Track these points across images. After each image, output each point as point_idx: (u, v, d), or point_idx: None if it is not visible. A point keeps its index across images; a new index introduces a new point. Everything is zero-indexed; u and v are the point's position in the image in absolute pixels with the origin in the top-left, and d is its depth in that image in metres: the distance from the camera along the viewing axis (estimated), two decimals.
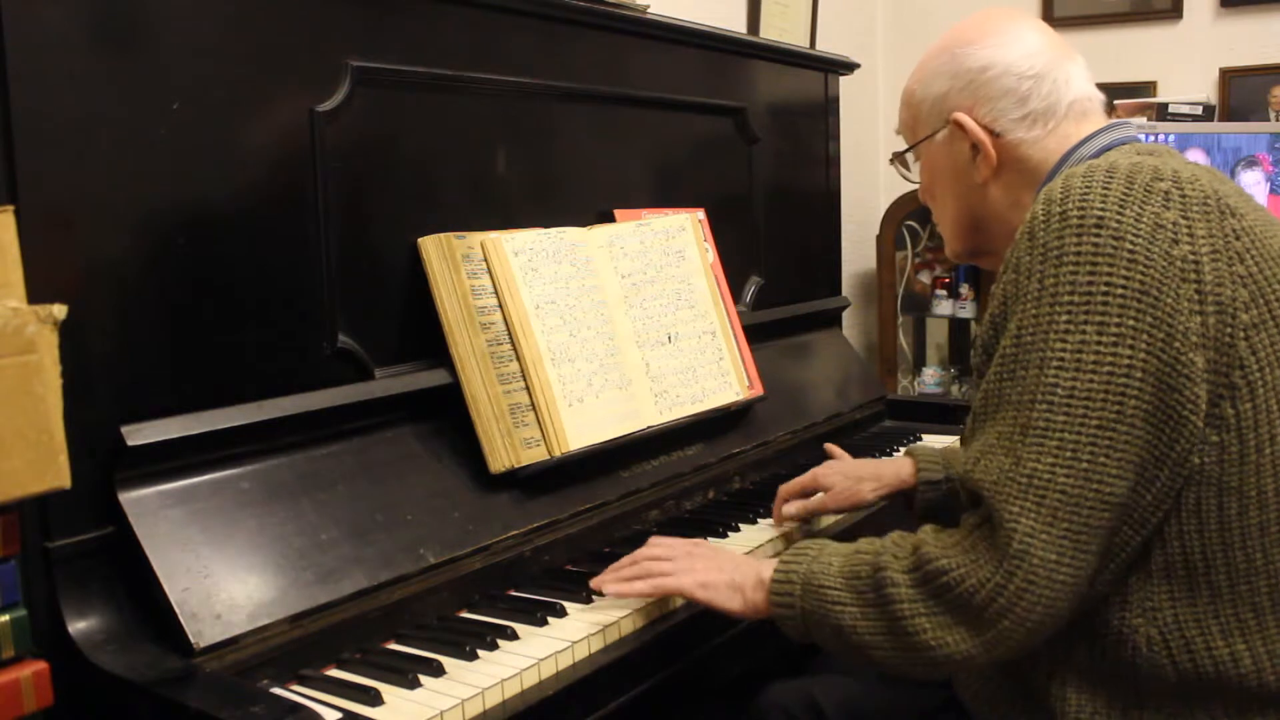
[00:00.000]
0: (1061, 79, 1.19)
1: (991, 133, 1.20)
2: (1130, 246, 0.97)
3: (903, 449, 2.03)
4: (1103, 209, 0.99)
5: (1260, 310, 0.99)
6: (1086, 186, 1.01)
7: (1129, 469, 0.97)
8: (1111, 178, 1.01)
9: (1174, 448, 0.98)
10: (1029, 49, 1.19)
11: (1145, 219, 0.98)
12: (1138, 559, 1.02)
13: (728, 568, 1.22)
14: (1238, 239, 1.01)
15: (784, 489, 1.59)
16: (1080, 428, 0.96)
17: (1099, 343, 0.97)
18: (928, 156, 1.28)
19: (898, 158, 1.35)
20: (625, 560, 1.31)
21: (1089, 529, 0.96)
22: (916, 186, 1.36)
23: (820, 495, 1.58)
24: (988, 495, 0.99)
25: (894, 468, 1.58)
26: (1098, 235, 0.98)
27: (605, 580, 1.28)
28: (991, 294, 1.08)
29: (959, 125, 1.21)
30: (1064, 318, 0.98)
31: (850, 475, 1.58)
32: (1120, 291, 0.97)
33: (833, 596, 1.08)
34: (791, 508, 1.57)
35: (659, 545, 1.30)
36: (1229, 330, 0.98)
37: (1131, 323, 0.96)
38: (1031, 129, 1.19)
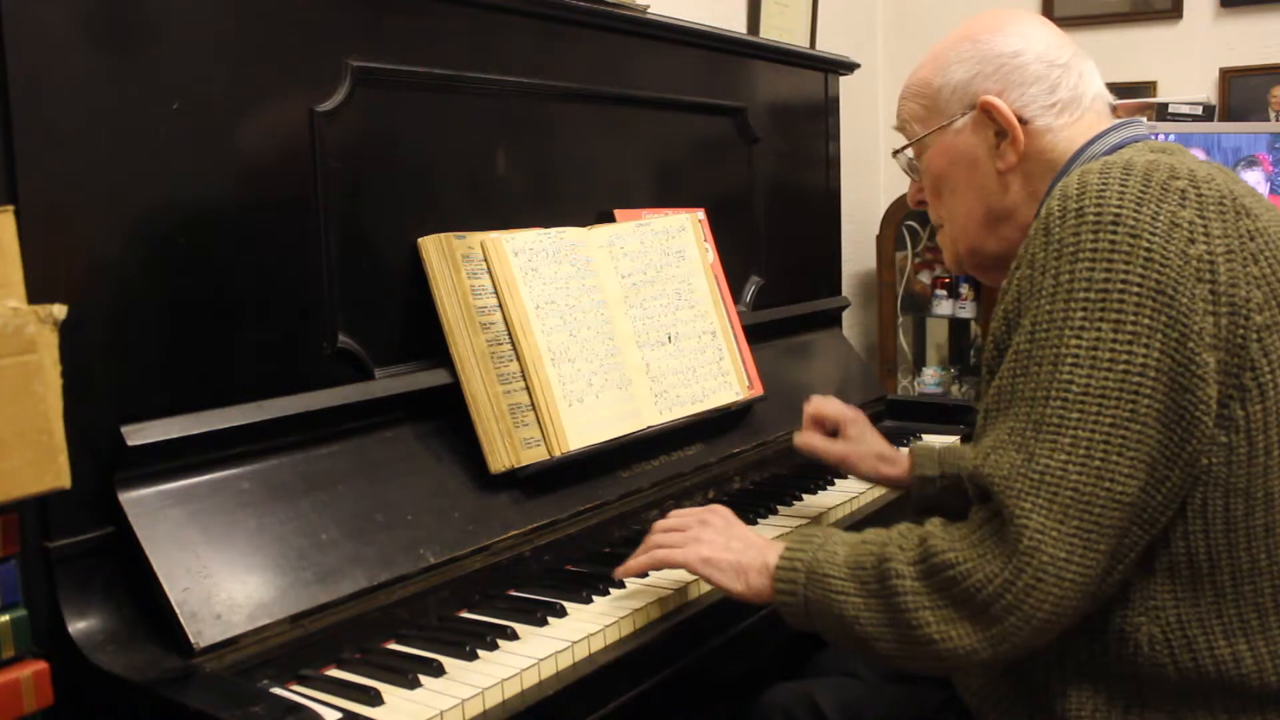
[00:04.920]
0: (1086, 72, 1.20)
1: (1020, 119, 1.17)
2: (1147, 244, 0.97)
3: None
4: (1119, 206, 0.98)
5: (1273, 312, 0.99)
6: (1103, 183, 1.00)
7: (1140, 468, 0.96)
8: (1128, 175, 1.00)
9: (1185, 448, 0.97)
10: (1054, 40, 1.20)
11: (1162, 217, 0.98)
12: (1142, 558, 1.02)
13: (736, 547, 1.22)
14: (1252, 240, 1.00)
15: (819, 407, 1.67)
16: (1094, 425, 0.96)
17: (1114, 340, 0.96)
18: (939, 148, 1.24)
19: (905, 151, 1.30)
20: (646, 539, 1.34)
21: (1099, 528, 0.95)
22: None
23: (841, 446, 1.64)
24: (998, 490, 0.98)
25: (895, 455, 1.63)
26: (1114, 232, 0.97)
27: (618, 569, 1.31)
28: (1004, 289, 1.07)
29: (989, 109, 1.17)
30: (1079, 314, 0.98)
31: (872, 450, 1.63)
32: (1136, 289, 0.96)
33: (837, 586, 1.08)
34: (816, 441, 1.64)
35: (675, 515, 1.33)
36: (1241, 332, 0.97)
37: (1147, 321, 0.96)
38: (1059, 117, 1.18)
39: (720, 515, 1.30)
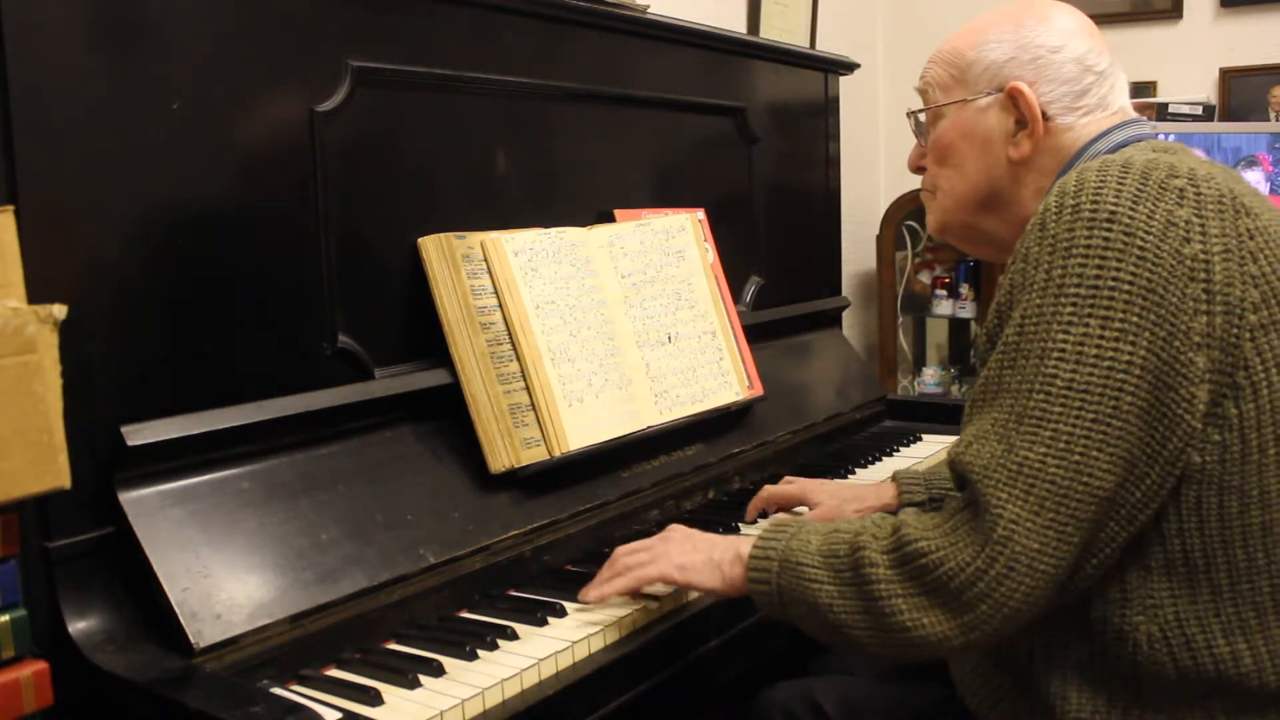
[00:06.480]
0: (1119, 85, 1.20)
1: (1044, 114, 1.17)
2: (1140, 243, 0.97)
3: (902, 448, 2.04)
4: (1115, 204, 0.99)
5: (1270, 311, 0.99)
6: (1101, 181, 1.00)
7: (1118, 464, 0.97)
8: (1126, 173, 1.01)
9: (1166, 446, 0.98)
10: (1095, 45, 1.19)
11: (1158, 216, 0.98)
12: (1138, 556, 1.02)
13: (704, 547, 1.24)
14: (1251, 239, 1.00)
15: (770, 494, 1.61)
16: (1075, 420, 0.97)
17: (1101, 337, 0.97)
18: (955, 120, 1.24)
19: (919, 114, 1.30)
20: (603, 568, 1.31)
21: (1074, 520, 0.96)
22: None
23: (806, 512, 1.59)
24: (975, 479, 0.99)
25: (877, 492, 1.60)
26: (1109, 230, 0.98)
27: (588, 592, 1.29)
28: (999, 284, 1.08)
29: (1017, 96, 1.17)
30: (1068, 309, 0.98)
31: (836, 496, 1.59)
32: (1127, 288, 0.97)
33: (810, 574, 1.09)
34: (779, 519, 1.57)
35: (630, 546, 1.31)
36: (1235, 330, 0.98)
37: (1135, 319, 0.97)
38: (1080, 119, 1.18)
39: (678, 529, 1.31)
